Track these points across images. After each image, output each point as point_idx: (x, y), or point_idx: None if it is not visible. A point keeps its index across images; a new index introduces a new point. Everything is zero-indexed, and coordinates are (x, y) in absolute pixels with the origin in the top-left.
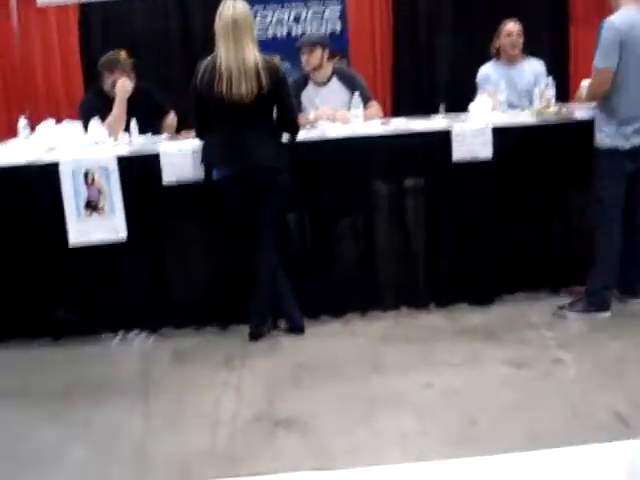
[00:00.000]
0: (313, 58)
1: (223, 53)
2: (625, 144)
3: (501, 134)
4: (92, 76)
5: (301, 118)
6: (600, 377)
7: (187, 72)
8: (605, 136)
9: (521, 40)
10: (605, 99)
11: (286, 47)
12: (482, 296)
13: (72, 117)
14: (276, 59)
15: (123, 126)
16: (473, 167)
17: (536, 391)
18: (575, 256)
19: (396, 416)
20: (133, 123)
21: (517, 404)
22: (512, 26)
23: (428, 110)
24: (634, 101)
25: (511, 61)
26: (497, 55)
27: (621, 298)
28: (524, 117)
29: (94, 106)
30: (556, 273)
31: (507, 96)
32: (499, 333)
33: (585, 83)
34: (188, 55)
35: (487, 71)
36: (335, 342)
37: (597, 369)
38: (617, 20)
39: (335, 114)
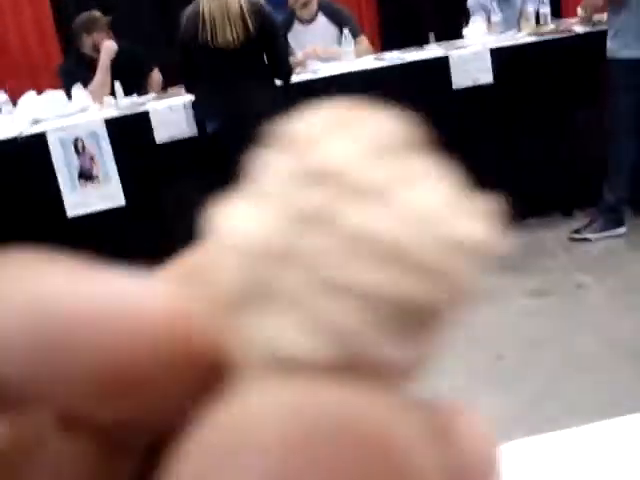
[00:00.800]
0: None
1: None
2: None
3: (500, 56)
4: (69, 41)
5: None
6: (626, 297)
7: (163, 25)
8: (623, 45)
9: None
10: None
11: None
12: None
13: (53, 86)
14: (262, 1)
15: (108, 90)
16: (474, 93)
17: (562, 319)
18: (585, 176)
19: None
20: (117, 85)
21: (544, 335)
22: None
23: (418, 41)
24: None
25: None
26: None
27: (633, 214)
28: (521, 37)
29: (74, 71)
30: (567, 195)
31: (501, 18)
32: (516, 262)
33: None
34: (164, 6)
35: None
36: None
37: (622, 290)
38: None
39: (324, 49)
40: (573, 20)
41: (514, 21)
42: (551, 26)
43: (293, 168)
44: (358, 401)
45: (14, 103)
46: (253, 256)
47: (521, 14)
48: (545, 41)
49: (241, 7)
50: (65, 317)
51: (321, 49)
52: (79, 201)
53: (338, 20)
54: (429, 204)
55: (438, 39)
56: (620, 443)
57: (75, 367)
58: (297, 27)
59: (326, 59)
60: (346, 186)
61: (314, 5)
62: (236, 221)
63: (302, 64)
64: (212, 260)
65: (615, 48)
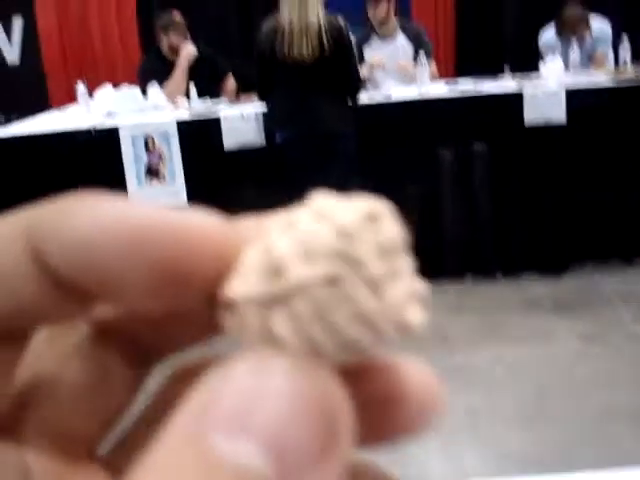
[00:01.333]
0: (380, 10)
1: (287, 12)
2: None
3: (575, 97)
4: (149, 39)
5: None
6: None
7: (243, 34)
8: None
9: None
10: None
11: (346, 1)
12: (552, 266)
13: (130, 81)
14: (340, 19)
15: (183, 92)
16: (545, 131)
17: (610, 367)
18: None
19: (465, 391)
20: (192, 87)
21: (590, 380)
22: (571, 15)
23: (491, 70)
24: None
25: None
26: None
27: None
28: (599, 78)
29: (153, 69)
30: (629, 242)
31: (579, 56)
32: (570, 305)
33: None
34: (244, 15)
35: (549, 36)
36: None
37: None
38: None
39: (400, 64)
40: None
41: (585, 62)
42: (630, 71)
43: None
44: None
45: (91, 95)
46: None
47: (591, 57)
48: (622, 86)
49: (319, 23)
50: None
51: (398, 65)
52: (143, 196)
53: (417, 41)
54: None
55: (513, 70)
56: None
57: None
58: (375, 43)
59: (399, 75)
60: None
61: (393, 22)
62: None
63: (373, 69)
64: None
65: None
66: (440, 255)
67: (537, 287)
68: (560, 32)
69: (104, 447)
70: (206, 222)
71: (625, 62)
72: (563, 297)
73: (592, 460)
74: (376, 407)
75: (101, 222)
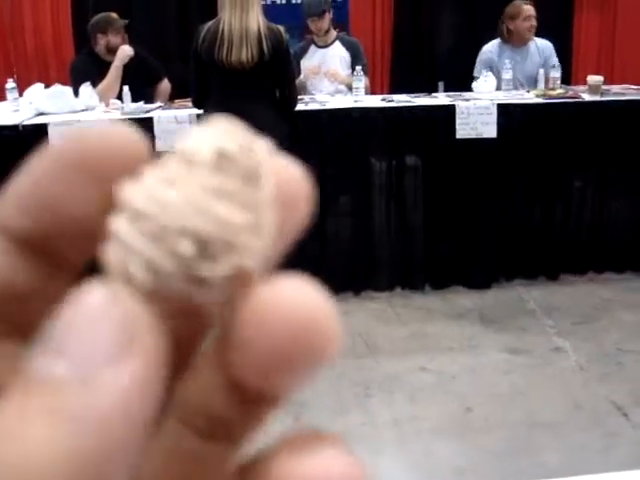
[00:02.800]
0: (324, 23)
1: (227, 17)
2: None
3: (506, 113)
4: (84, 38)
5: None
6: (599, 367)
7: (181, 38)
8: None
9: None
10: None
11: (286, 13)
12: (479, 279)
13: (62, 81)
14: (280, 28)
15: (116, 93)
16: (476, 146)
17: (534, 379)
18: (575, 242)
19: (390, 400)
20: (126, 89)
21: (515, 392)
22: (530, 9)
23: (426, 88)
24: None
25: (522, 44)
26: (505, 36)
27: None
28: (529, 97)
29: (85, 69)
30: (555, 259)
31: (511, 76)
32: (496, 318)
33: (592, 78)
34: (183, 21)
35: (490, 53)
36: None
37: (596, 358)
38: None
39: (334, 71)
40: (582, 87)
41: (524, 82)
42: (560, 90)
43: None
44: None
45: (21, 93)
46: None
47: (531, 77)
48: (552, 104)
49: (259, 30)
50: None
51: (328, 69)
52: None
53: (353, 50)
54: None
55: (447, 89)
56: None
57: None
58: (312, 50)
59: (334, 82)
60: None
61: (332, 33)
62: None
63: (308, 78)
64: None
65: None
66: (370, 265)
67: (464, 300)
68: (505, 41)
69: None
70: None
71: (555, 82)
72: (489, 310)
73: (516, 470)
74: (249, 334)
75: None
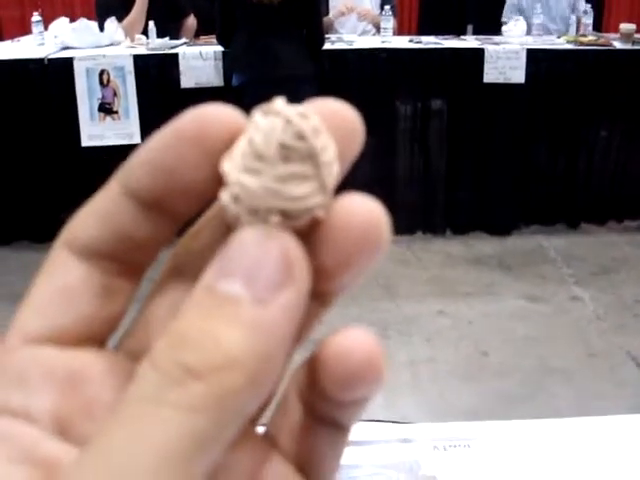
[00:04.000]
0: None
1: None
2: None
3: (535, 58)
4: None
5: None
6: (616, 317)
7: None
8: None
9: None
10: None
11: None
12: (500, 225)
13: (88, 16)
14: None
15: (142, 28)
16: (503, 91)
17: (550, 327)
18: (597, 191)
19: (407, 342)
20: (151, 25)
21: (530, 338)
22: None
23: (455, 30)
24: None
25: None
26: None
27: None
28: (560, 43)
29: (110, 4)
30: (576, 207)
31: (542, 20)
32: (515, 265)
33: (625, 26)
34: None
35: None
36: None
37: (613, 309)
38: None
39: (364, 9)
40: (614, 35)
41: (554, 26)
42: (591, 37)
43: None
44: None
45: (46, 27)
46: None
47: (562, 21)
48: (582, 50)
49: None
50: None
51: (361, 8)
52: (95, 133)
53: None
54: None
55: (475, 32)
56: (592, 441)
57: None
58: None
59: (364, 21)
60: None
61: None
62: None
63: (340, 15)
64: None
65: None
66: (392, 209)
67: (484, 246)
68: None
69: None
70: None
71: (586, 28)
72: (509, 257)
73: (528, 413)
74: (327, 241)
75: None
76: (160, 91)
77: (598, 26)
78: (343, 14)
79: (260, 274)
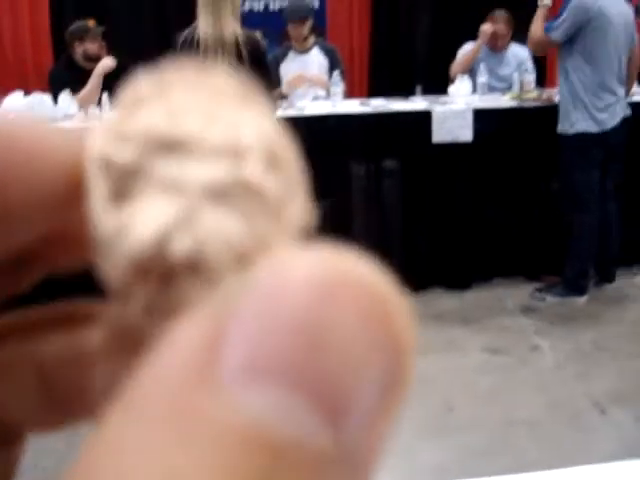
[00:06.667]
0: (304, 29)
1: (202, 25)
2: (594, 129)
3: (481, 117)
4: (62, 46)
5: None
6: (577, 365)
7: (160, 44)
8: (574, 122)
9: (508, 33)
10: (572, 82)
11: (264, 20)
12: (458, 280)
13: (41, 89)
14: (258, 34)
15: (96, 101)
16: (453, 149)
17: (514, 378)
18: (553, 242)
19: None
20: (105, 97)
21: (495, 391)
22: (503, 19)
23: (404, 91)
24: (605, 84)
25: (498, 49)
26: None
27: (597, 282)
28: (504, 101)
29: (64, 77)
30: (534, 259)
31: (487, 80)
32: (475, 319)
33: None
34: (161, 26)
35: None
36: None
37: (574, 357)
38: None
39: (315, 75)
40: (555, 90)
41: (498, 85)
42: (534, 93)
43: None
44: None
45: (0, 101)
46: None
47: (506, 81)
48: (526, 107)
49: (236, 36)
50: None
51: (311, 75)
52: None
53: (332, 57)
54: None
55: (425, 92)
56: None
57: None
58: (291, 57)
59: (314, 87)
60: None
61: (311, 39)
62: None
63: (290, 88)
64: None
65: (566, 124)
66: None
67: (444, 301)
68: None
69: None
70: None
71: (529, 85)
72: (469, 310)
73: (496, 467)
74: None
75: None
76: None
77: (541, 81)
78: (295, 86)
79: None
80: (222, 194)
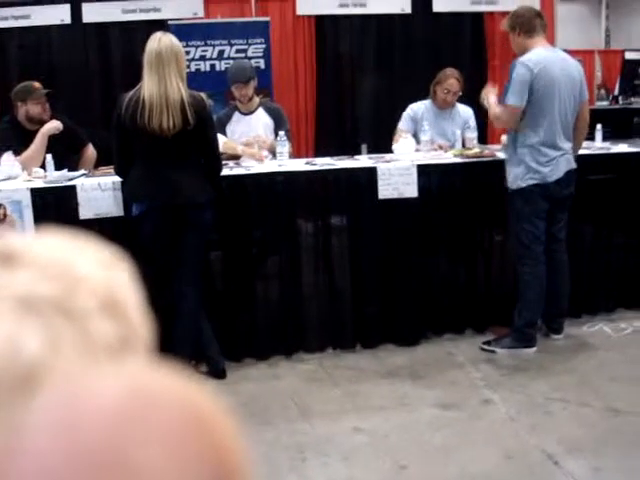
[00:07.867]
0: (249, 90)
1: (146, 85)
2: (538, 181)
3: (426, 173)
4: (7, 106)
5: (227, 147)
6: (529, 417)
7: (106, 105)
8: (519, 176)
9: (458, 90)
10: (516, 139)
11: (210, 80)
12: (408, 336)
13: None
14: (203, 95)
15: (40, 162)
16: (398, 205)
17: (466, 433)
18: (499, 294)
19: (324, 464)
20: (49, 158)
21: (447, 446)
22: (452, 83)
23: (350, 150)
24: (548, 139)
25: (445, 107)
26: (432, 97)
27: (546, 333)
28: (447, 157)
29: (8, 137)
30: (481, 312)
31: (433, 138)
32: (426, 374)
33: (505, 137)
34: (107, 87)
35: (414, 111)
36: (260, 386)
37: (526, 408)
38: (529, 60)
39: (260, 137)
40: (497, 146)
41: (444, 142)
42: (476, 150)
43: None
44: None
45: None
46: None
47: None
48: (469, 163)
49: (182, 97)
50: None
51: (258, 137)
52: None
53: (277, 116)
54: None
55: (370, 151)
56: None
57: None
58: (236, 118)
59: (262, 148)
60: None
61: (256, 100)
62: None
63: (240, 157)
64: None
65: (511, 178)
66: (300, 327)
67: (394, 357)
68: (433, 102)
69: None
70: None
71: (472, 142)
72: (419, 366)
73: None
74: None
75: None
76: (59, 223)
77: (483, 138)
78: (244, 153)
79: None
80: (32, 306)
